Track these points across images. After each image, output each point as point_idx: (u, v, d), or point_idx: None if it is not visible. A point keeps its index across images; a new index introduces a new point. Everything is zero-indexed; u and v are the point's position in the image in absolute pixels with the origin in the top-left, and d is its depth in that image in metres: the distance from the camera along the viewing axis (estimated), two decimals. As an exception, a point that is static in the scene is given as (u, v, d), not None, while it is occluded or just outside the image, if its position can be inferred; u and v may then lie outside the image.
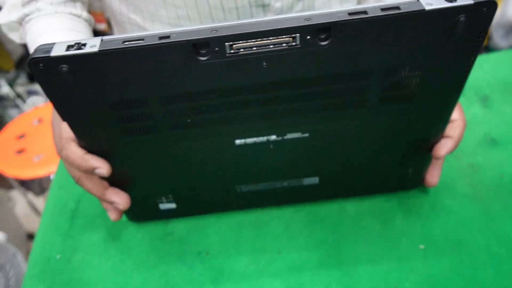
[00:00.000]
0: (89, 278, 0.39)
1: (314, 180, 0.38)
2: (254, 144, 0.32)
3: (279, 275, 0.37)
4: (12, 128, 1.14)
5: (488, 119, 0.50)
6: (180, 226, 0.42)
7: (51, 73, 0.25)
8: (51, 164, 1.02)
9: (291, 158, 0.35)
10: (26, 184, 1.62)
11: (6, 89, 1.54)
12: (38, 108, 1.23)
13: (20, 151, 1.07)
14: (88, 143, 0.31)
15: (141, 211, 0.41)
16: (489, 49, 1.58)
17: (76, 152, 0.32)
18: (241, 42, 0.24)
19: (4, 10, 0.42)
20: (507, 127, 0.49)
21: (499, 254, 0.37)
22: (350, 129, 0.32)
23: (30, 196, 1.62)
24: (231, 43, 0.24)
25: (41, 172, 1.01)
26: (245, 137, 0.31)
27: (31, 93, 1.59)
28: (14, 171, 1.02)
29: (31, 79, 1.60)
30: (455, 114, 0.36)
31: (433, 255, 0.38)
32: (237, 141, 0.32)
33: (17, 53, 1.65)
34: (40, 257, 0.41)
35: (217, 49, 0.24)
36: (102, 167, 0.32)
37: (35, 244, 0.43)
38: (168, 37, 0.24)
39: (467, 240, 0.39)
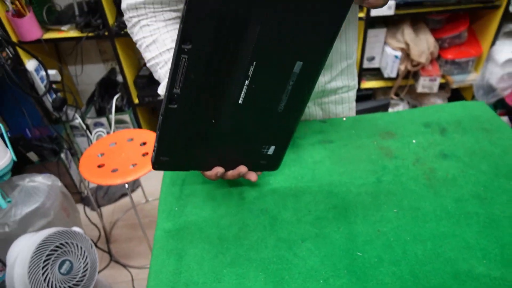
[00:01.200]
0: (195, 221, 0.67)
1: (299, 64, 0.54)
2: None
3: (310, 223, 0.65)
4: (94, 148, 1.47)
5: (443, 142, 0.78)
6: (252, 192, 0.70)
7: None
8: (125, 176, 1.32)
9: None
10: (85, 201, 1.93)
11: (78, 121, 1.89)
12: (110, 135, 1.56)
13: (100, 166, 1.38)
14: None
15: None
16: (475, 103, 1.87)
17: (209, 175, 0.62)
18: None
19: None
20: (454, 147, 0.77)
21: (439, 215, 0.64)
22: None
23: (88, 210, 1.92)
24: None
25: (117, 181, 1.31)
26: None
27: (97, 124, 1.94)
28: (97, 180, 1.32)
29: (98, 113, 1.96)
30: None
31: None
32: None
33: (88, 92, 2.03)
34: (165, 208, 0.70)
35: None
36: (220, 171, 0.62)
37: (161, 202, 0.71)
38: None
39: (423, 206, 0.65)
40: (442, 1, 1.60)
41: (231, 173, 0.64)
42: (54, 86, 1.75)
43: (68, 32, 1.71)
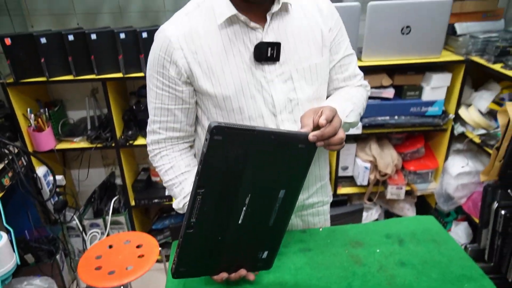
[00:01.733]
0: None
1: (283, 192, 0.74)
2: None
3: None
4: (92, 251, 1.57)
5: (401, 252, 0.96)
6: None
7: None
8: (122, 278, 1.41)
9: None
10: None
11: (75, 222, 2.00)
12: (108, 237, 1.67)
13: (98, 268, 1.48)
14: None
15: None
16: (436, 209, 2.11)
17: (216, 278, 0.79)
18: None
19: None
20: (410, 256, 0.95)
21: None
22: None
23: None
24: None
25: (114, 283, 1.40)
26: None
27: (93, 225, 2.05)
28: (95, 283, 1.40)
29: (95, 215, 2.08)
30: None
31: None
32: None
33: (88, 193, 2.18)
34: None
35: None
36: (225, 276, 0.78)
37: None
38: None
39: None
40: (400, 124, 1.93)
41: (233, 276, 0.80)
42: (57, 189, 1.91)
43: (79, 143, 1.94)
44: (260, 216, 0.75)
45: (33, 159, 1.86)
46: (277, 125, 0.88)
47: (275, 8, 0.82)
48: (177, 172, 0.93)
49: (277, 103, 0.86)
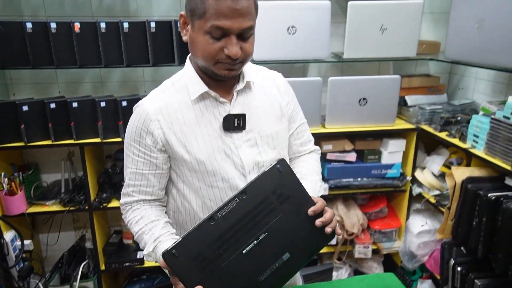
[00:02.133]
0: None
1: (287, 255, 0.83)
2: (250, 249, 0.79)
3: None
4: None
5: (363, 309, 1.03)
6: None
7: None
8: None
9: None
10: None
11: (40, 289, 1.93)
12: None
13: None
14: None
15: None
16: (402, 268, 2.20)
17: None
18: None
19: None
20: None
21: None
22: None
23: None
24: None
25: None
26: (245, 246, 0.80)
27: (59, 293, 1.97)
28: None
29: (62, 281, 2.01)
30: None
31: None
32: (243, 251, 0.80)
33: (55, 258, 2.12)
34: None
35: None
36: None
37: None
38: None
39: None
40: (363, 185, 2.07)
41: None
42: (24, 255, 1.86)
43: (51, 206, 1.94)
44: (256, 264, 0.82)
45: (1, 223, 1.83)
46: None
47: (240, 86, 0.96)
48: (147, 221, 0.97)
49: (246, 165, 0.97)
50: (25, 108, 1.75)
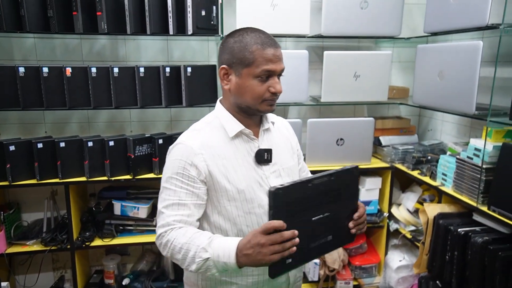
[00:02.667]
0: None
1: (330, 237, 0.97)
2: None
3: None
4: None
5: None
6: None
7: None
8: None
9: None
10: None
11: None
12: None
13: None
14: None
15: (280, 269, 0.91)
16: (382, 303, 2.23)
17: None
18: None
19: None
20: None
21: None
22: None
23: None
24: None
25: None
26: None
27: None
28: None
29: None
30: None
31: None
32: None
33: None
34: None
35: None
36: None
37: None
38: None
39: None
40: (342, 222, 2.15)
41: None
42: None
43: (32, 246, 1.91)
44: (317, 232, 0.96)
45: (-21, 265, 1.79)
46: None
47: (266, 125, 1.13)
48: (194, 231, 0.99)
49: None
50: (12, 148, 1.78)
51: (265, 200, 1.05)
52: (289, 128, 1.25)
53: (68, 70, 1.76)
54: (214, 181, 1.02)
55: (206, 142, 1.03)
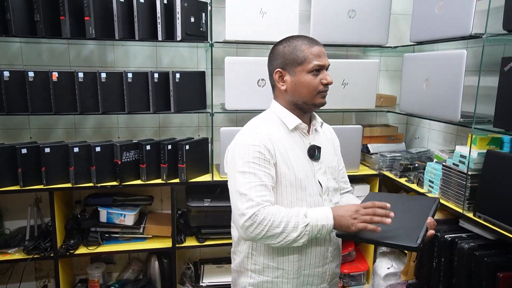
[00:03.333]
0: None
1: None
2: None
3: None
4: None
5: None
6: None
7: None
8: None
9: None
10: None
11: None
12: None
13: None
14: None
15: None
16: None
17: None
18: None
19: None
20: None
21: None
22: None
23: None
24: None
25: None
26: None
27: None
28: None
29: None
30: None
31: None
32: None
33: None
34: None
35: None
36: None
37: None
38: None
39: None
40: (331, 229, 2.14)
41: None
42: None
43: (13, 254, 1.87)
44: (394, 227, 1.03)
45: (-42, 274, 1.74)
46: (321, 202, 1.16)
47: (318, 124, 1.23)
48: (282, 207, 1.05)
49: (323, 187, 1.17)
50: (-5, 153, 1.74)
51: (314, 191, 1.14)
52: (332, 132, 1.34)
53: (55, 75, 1.74)
54: (277, 166, 1.10)
55: (271, 132, 1.12)
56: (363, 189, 2.16)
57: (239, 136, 1.14)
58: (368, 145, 2.26)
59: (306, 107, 1.15)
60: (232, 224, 1.22)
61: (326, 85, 1.12)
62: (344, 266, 2.25)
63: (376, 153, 2.23)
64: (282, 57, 1.13)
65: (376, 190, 2.14)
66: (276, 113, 1.18)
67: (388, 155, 2.16)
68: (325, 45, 2.04)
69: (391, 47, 2.16)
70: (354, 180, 2.19)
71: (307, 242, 1.05)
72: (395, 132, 2.32)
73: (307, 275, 1.16)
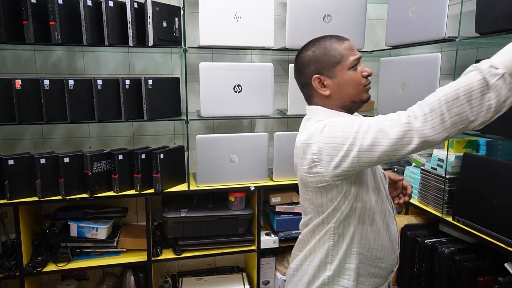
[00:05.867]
0: None
1: None
2: None
3: None
4: None
5: None
6: None
7: None
8: None
9: None
10: None
11: None
12: None
13: None
14: None
15: None
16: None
17: None
18: None
19: None
20: None
21: None
22: None
23: None
24: None
25: None
26: None
27: None
28: None
29: None
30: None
31: None
32: None
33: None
34: None
35: None
36: None
37: None
38: None
39: None
40: (312, 236, 2.11)
41: None
42: None
43: (-24, 274, 1.75)
44: None
45: None
46: (384, 189, 1.13)
47: None
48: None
49: (379, 175, 1.12)
50: (-47, 167, 1.63)
51: (380, 177, 1.11)
52: None
53: (18, 83, 1.64)
54: None
55: None
56: (343, 195, 2.13)
57: (321, 130, 0.98)
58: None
59: (355, 106, 1.07)
60: (307, 231, 1.14)
61: (367, 77, 1.06)
62: (326, 274, 2.21)
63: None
64: (315, 62, 1.05)
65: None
66: (328, 112, 1.06)
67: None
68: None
69: (367, 51, 2.15)
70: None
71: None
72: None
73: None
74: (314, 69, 1.05)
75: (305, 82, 1.09)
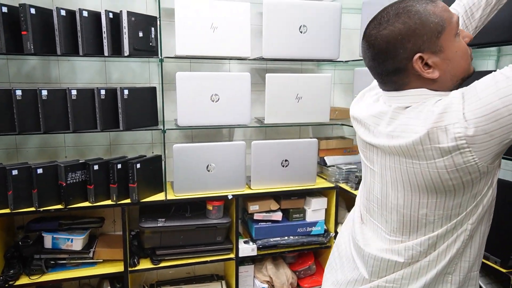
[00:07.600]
0: None
1: None
2: None
3: None
4: None
5: None
6: None
7: None
8: None
9: None
10: None
11: None
12: None
13: None
14: None
15: None
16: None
17: None
18: None
19: None
20: None
21: None
22: None
23: None
24: None
25: None
26: None
27: None
28: None
29: None
30: None
31: None
32: None
33: None
34: None
35: None
36: None
37: None
38: None
39: None
40: (290, 244, 2.12)
41: None
42: None
43: None
44: None
45: None
46: None
47: None
48: None
49: None
50: None
51: None
52: None
53: (-11, 93, 1.62)
54: None
55: None
56: (320, 202, 2.16)
57: (454, 103, 0.73)
58: (325, 158, 2.27)
59: (463, 82, 0.82)
60: (416, 249, 0.84)
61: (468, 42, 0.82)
62: (305, 280, 2.23)
63: (333, 166, 2.24)
64: (411, 37, 0.76)
65: (333, 203, 2.15)
66: (438, 94, 0.80)
67: (344, 167, 2.18)
68: (278, 60, 2.09)
69: (342, 61, 2.19)
70: (311, 193, 2.19)
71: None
72: (351, 144, 2.36)
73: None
74: (411, 46, 0.77)
75: (397, 67, 0.79)
